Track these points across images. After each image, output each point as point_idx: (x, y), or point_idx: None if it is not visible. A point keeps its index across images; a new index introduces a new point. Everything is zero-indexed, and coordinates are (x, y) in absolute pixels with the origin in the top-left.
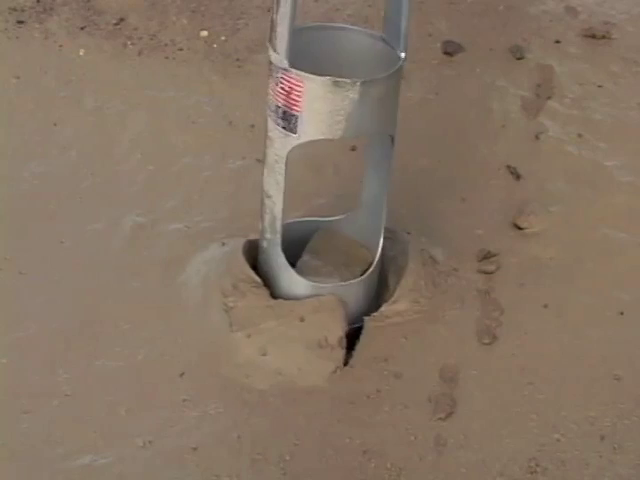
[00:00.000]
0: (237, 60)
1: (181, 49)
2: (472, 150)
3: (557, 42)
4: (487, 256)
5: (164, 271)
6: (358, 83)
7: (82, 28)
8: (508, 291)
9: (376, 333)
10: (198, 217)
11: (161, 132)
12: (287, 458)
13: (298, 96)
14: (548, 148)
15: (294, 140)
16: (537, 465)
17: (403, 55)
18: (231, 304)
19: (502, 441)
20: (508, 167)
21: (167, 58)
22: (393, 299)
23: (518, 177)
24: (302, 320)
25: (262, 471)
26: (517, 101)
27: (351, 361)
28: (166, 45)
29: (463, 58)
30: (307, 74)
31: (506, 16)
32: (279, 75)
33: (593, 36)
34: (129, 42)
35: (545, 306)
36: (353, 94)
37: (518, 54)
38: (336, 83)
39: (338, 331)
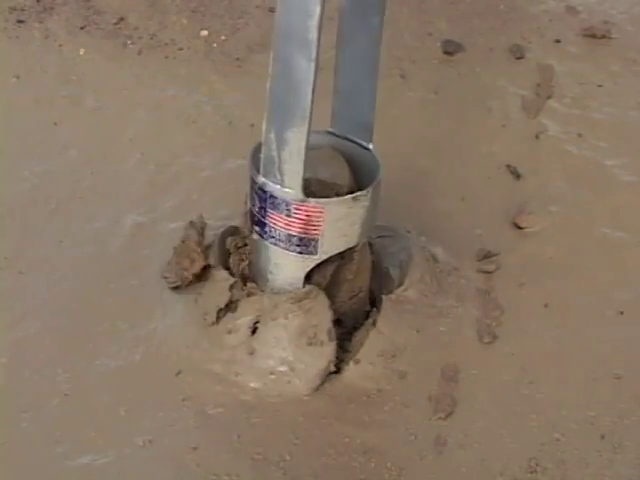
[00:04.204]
0: (237, 60)
1: (181, 49)
2: (472, 150)
3: (557, 41)
4: (487, 255)
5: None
6: (370, 190)
7: (82, 28)
8: (508, 291)
9: (392, 319)
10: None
11: (161, 132)
12: (287, 458)
13: (318, 222)
14: (548, 148)
15: (313, 261)
16: (537, 465)
17: (371, 146)
18: (198, 290)
19: (502, 441)
20: (508, 167)
21: (167, 58)
22: (403, 287)
23: (518, 177)
24: (286, 317)
25: (262, 471)
26: (517, 101)
27: (359, 355)
28: (166, 45)
29: (463, 58)
30: (327, 200)
31: (506, 15)
32: (291, 207)
33: (593, 35)
34: (129, 42)
35: (545, 306)
36: (366, 201)
37: (518, 54)
38: (355, 198)
39: (325, 323)
